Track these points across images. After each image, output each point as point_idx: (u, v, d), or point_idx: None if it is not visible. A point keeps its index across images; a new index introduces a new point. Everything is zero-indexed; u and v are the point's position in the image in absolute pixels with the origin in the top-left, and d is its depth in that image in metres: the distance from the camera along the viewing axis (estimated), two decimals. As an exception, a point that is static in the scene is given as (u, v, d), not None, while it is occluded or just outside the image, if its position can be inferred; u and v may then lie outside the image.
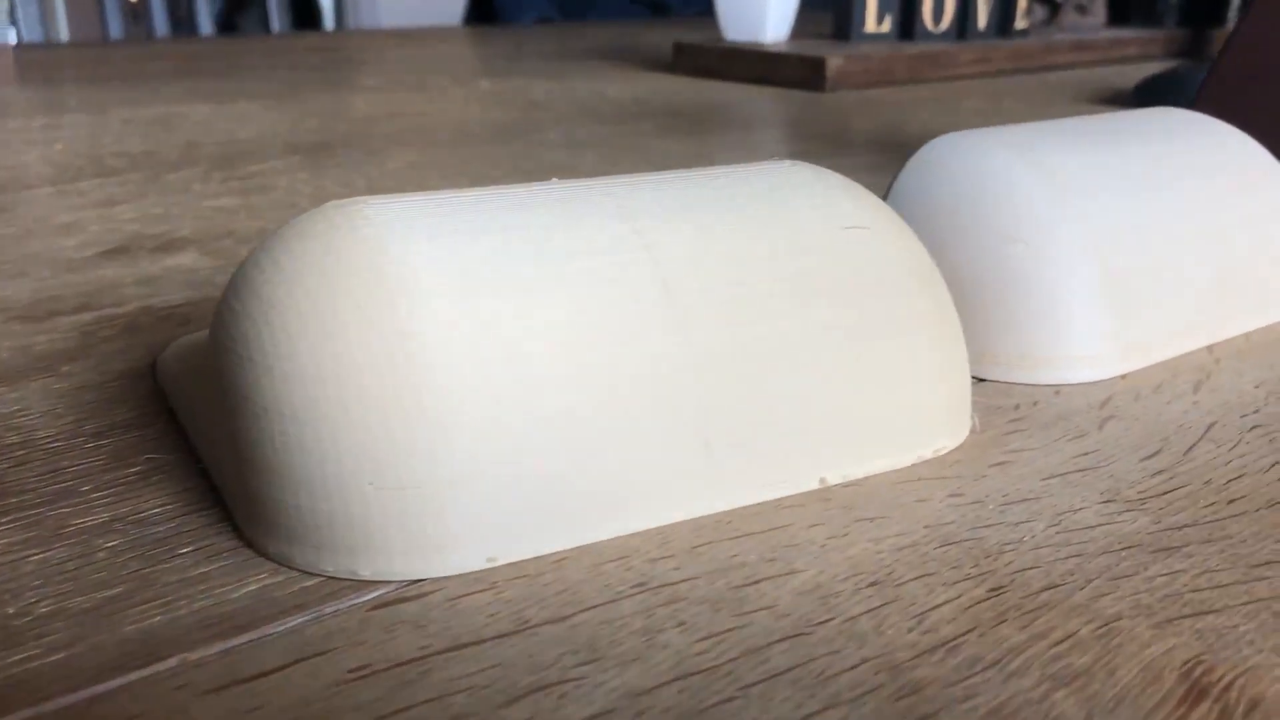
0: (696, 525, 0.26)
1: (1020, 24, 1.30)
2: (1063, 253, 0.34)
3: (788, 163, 0.32)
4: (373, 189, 0.62)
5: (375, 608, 0.23)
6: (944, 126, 0.85)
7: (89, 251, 0.49)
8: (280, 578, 0.24)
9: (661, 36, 1.52)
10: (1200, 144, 0.41)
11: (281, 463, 0.24)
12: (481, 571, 0.24)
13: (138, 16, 2.44)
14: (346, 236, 0.25)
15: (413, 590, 0.24)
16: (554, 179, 0.30)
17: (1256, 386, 0.35)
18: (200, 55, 1.43)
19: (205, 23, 2.50)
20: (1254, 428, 0.32)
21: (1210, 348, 0.38)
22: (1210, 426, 0.32)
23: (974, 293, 0.35)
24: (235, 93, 1.02)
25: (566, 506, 0.25)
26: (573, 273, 0.26)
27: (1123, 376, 0.35)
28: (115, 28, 2.65)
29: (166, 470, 0.29)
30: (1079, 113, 0.94)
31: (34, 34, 2.36)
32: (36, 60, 1.37)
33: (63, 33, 2.42)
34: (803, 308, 0.28)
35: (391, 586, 0.24)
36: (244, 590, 0.24)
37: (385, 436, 0.23)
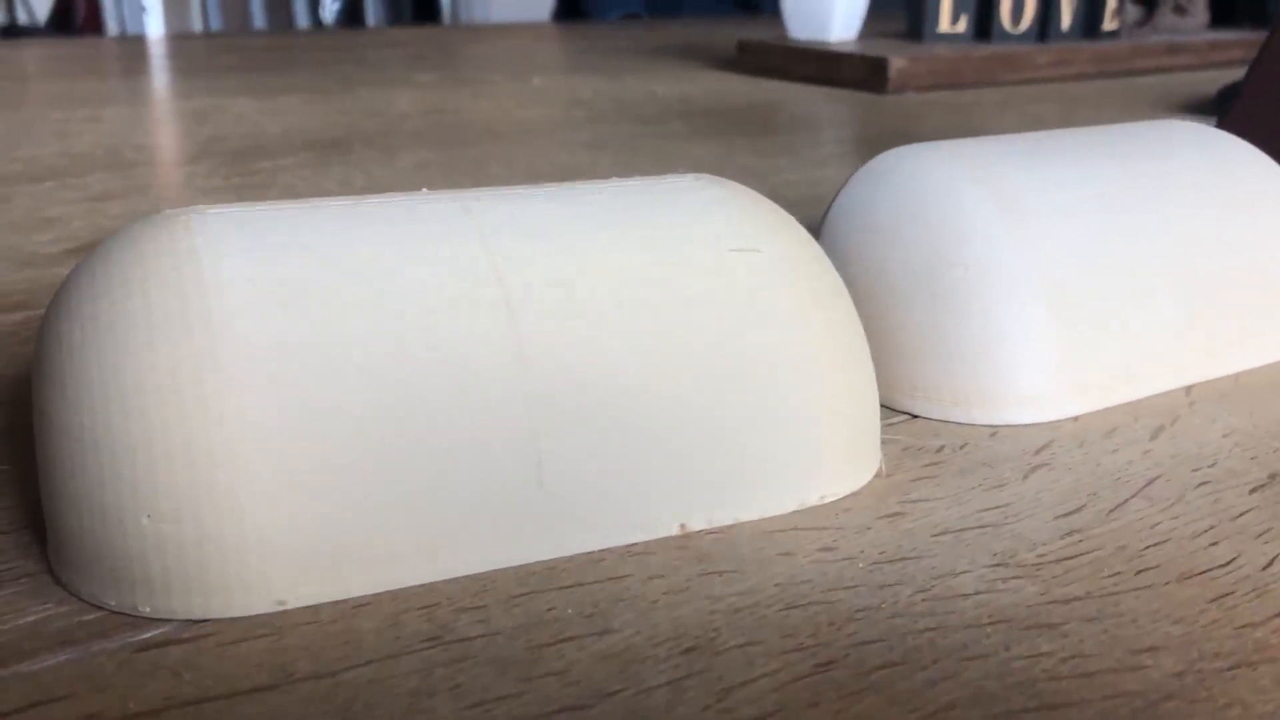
0: (527, 572, 0.24)
1: (1109, 25, 1.23)
2: (1006, 280, 0.31)
3: (692, 177, 0.30)
4: (371, 187, 0.61)
5: (142, 649, 0.21)
6: (1000, 131, 0.81)
7: (58, 248, 0.49)
8: (65, 608, 0.23)
9: (741, 34, 1.49)
10: (1199, 163, 0.37)
11: (66, 487, 0.22)
12: (269, 615, 0.22)
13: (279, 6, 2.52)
14: (163, 249, 0.24)
15: (190, 632, 0.22)
16: (424, 189, 0.28)
17: (1225, 435, 0.31)
18: (291, 47, 1.45)
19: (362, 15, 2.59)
20: (1202, 484, 0.28)
21: (1189, 389, 0.34)
22: (1152, 481, 0.29)
23: (910, 321, 0.32)
24: (286, 87, 1.03)
25: (373, 548, 0.23)
26: (401, 294, 0.24)
27: (1075, 419, 0.32)
28: (259, 19, 2.74)
29: (11, 483, 0.28)
30: (1157, 120, 0.88)
31: (188, 24, 2.45)
32: (131, 51, 1.41)
33: (213, 22, 2.51)
34: (670, 338, 0.26)
35: (170, 626, 0.22)
36: (22, 620, 0.22)
37: (165, 465, 0.22)
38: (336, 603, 0.23)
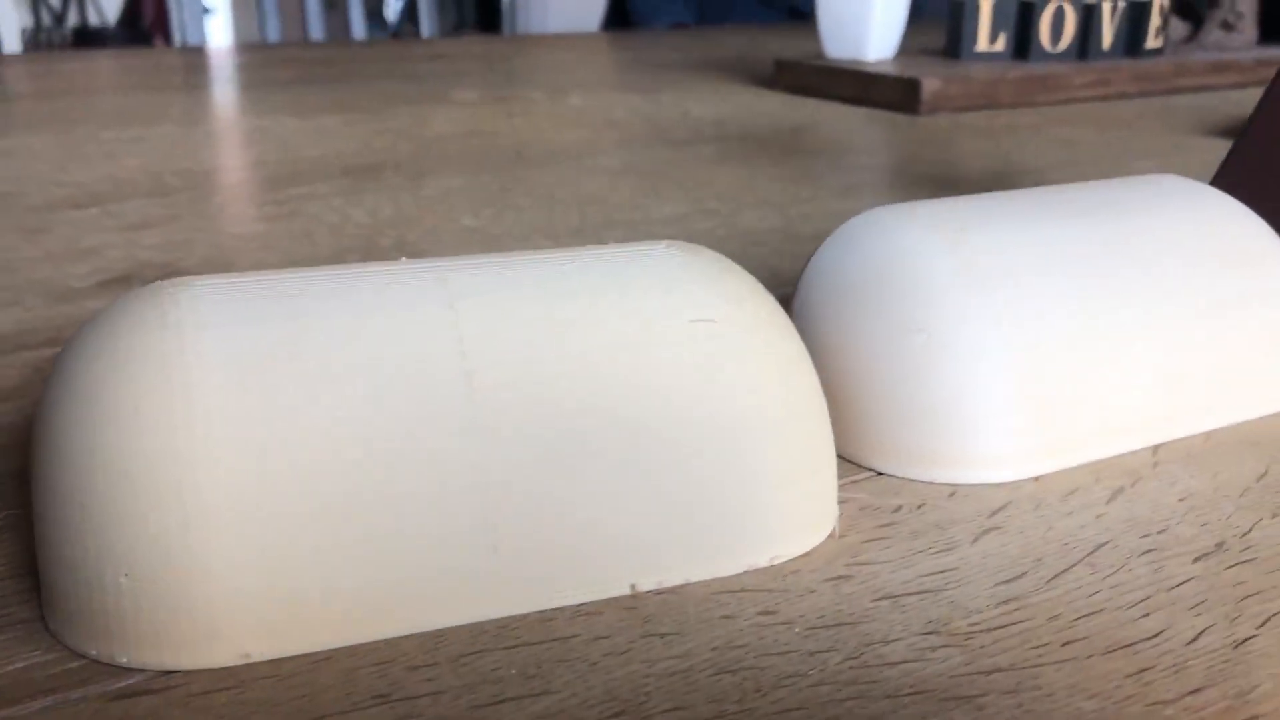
0: (478, 631, 0.26)
1: (1153, 43, 1.22)
2: (968, 344, 0.32)
3: (664, 244, 0.31)
4: (397, 217, 0.63)
5: (117, 698, 0.23)
6: (1023, 159, 0.81)
7: (91, 280, 0.51)
8: (52, 656, 0.25)
9: (786, 45, 1.50)
10: (1180, 222, 0.38)
11: (54, 543, 0.24)
12: (235, 668, 0.24)
13: (334, 9, 2.58)
14: (148, 324, 0.26)
15: (162, 682, 0.24)
16: (403, 259, 0.30)
17: (1181, 499, 0.32)
18: (342, 60, 1.48)
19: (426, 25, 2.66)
20: (1147, 551, 0.29)
21: (1157, 448, 0.35)
22: (1099, 547, 0.29)
23: (875, 382, 0.33)
24: (329, 105, 1.06)
25: (333, 606, 0.25)
26: (367, 365, 0.26)
27: (1036, 479, 0.33)
28: (316, 29, 2.80)
29: (17, 529, 0.30)
30: (1191, 143, 0.88)
31: (255, 33, 2.52)
32: (187, 64, 1.45)
33: (271, 33, 2.57)
34: (625, 407, 0.27)
35: (144, 676, 0.24)
36: (11, 666, 0.24)
37: (141, 528, 0.24)
38: (299, 657, 0.25)
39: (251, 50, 1.72)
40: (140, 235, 0.59)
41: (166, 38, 2.91)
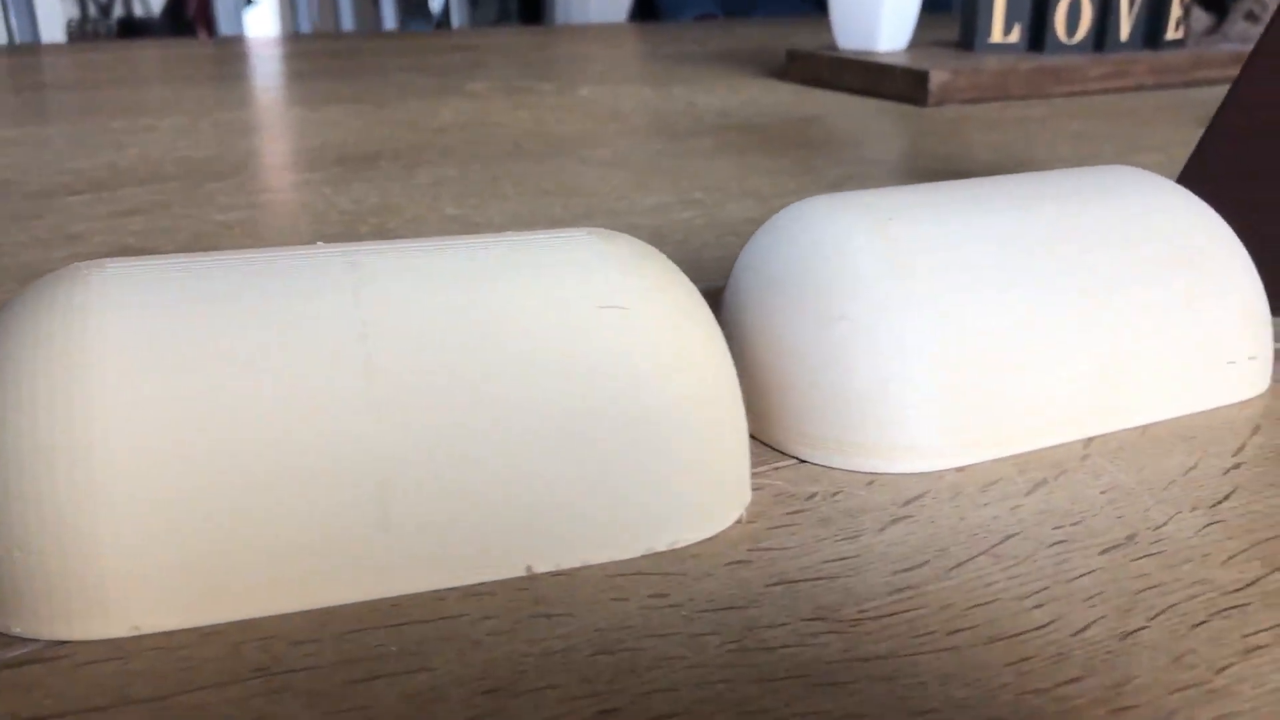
0: (369, 608, 0.26)
1: (1172, 34, 1.20)
2: (888, 332, 0.32)
3: (585, 232, 0.32)
4: (382, 205, 0.64)
5: (6, 666, 0.24)
6: (1027, 151, 0.80)
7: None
8: (-45, 625, 0.25)
9: (809, 37, 1.49)
10: (1124, 213, 0.37)
11: (-44, 518, 0.25)
12: (125, 640, 0.25)
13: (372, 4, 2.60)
14: (55, 306, 0.26)
15: (52, 652, 0.24)
16: (319, 243, 0.31)
17: (1103, 492, 0.32)
18: (368, 51, 1.50)
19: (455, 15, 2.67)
20: (1057, 543, 0.29)
21: (1089, 441, 0.35)
22: (1008, 538, 0.29)
23: (799, 370, 0.33)
24: (341, 96, 1.07)
25: (223, 581, 0.25)
26: (265, 347, 0.26)
27: (959, 469, 0.33)
28: (347, 20, 2.82)
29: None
30: (1197, 137, 0.86)
31: (297, 23, 2.55)
32: (217, 55, 1.47)
33: (303, 23, 2.60)
34: (525, 391, 0.27)
35: (37, 646, 0.25)
36: (-85, 635, 0.25)
37: (34, 503, 0.24)
38: (189, 630, 0.25)
39: (281, 42, 1.74)
40: (127, 221, 0.60)
41: (210, 29, 2.95)
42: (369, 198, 0.66)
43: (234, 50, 1.58)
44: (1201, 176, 0.48)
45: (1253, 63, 0.48)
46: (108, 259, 0.29)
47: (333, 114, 0.97)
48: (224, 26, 2.51)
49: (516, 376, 0.27)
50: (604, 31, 1.90)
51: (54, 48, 1.68)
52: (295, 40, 1.83)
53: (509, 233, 0.32)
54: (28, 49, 1.67)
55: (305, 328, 0.27)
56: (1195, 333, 0.36)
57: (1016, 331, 0.33)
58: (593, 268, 0.30)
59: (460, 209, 0.63)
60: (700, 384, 0.29)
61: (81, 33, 3.16)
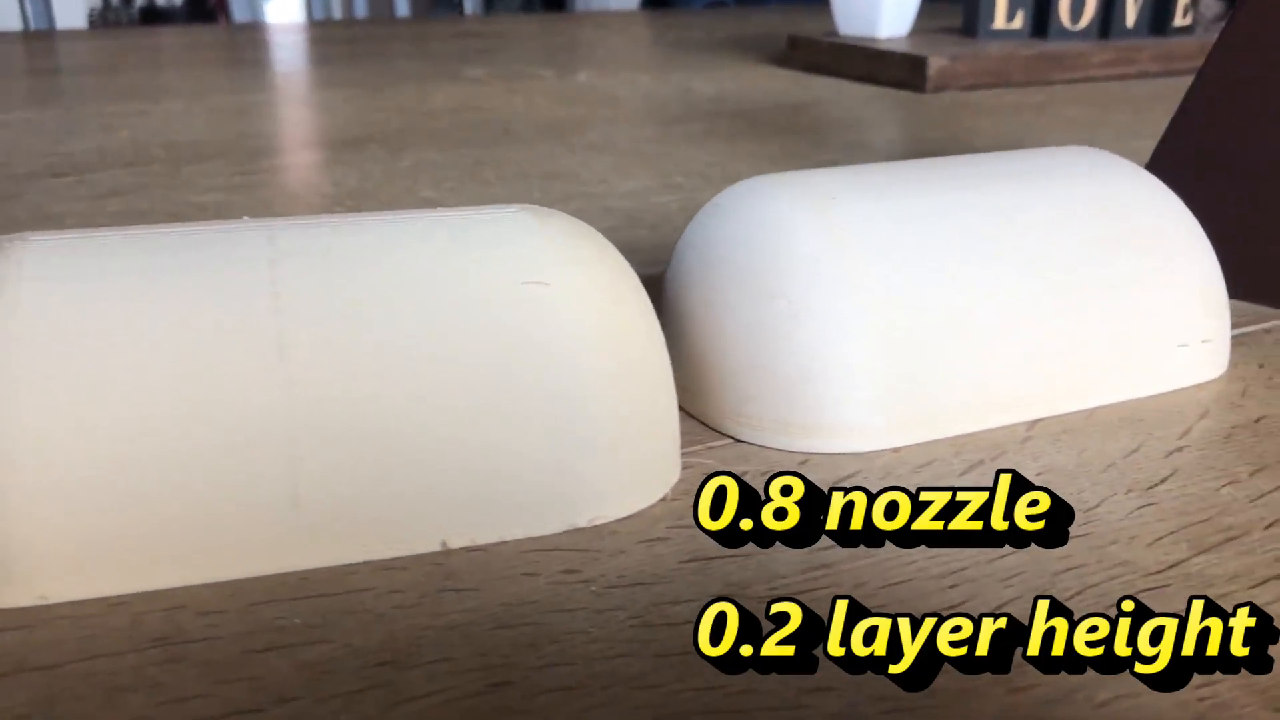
0: (279, 581, 0.26)
1: (1180, 21, 1.19)
2: (824, 311, 0.32)
3: (516, 208, 0.31)
4: (359, 188, 0.64)
5: (-89, 634, 0.24)
6: (1019, 137, 0.79)
7: (39, 244, 0.53)
8: None
9: (821, 24, 1.48)
10: (1077, 194, 0.37)
11: None
12: (33, 609, 0.25)
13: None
14: (-27, 273, 0.26)
15: (-41, 620, 0.25)
16: (245, 217, 0.31)
17: (1039, 474, 0.31)
18: (377, 38, 1.50)
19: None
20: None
21: (1034, 424, 0.34)
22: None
23: (737, 349, 0.33)
24: (340, 81, 1.07)
25: (131, 552, 0.25)
26: (181, 319, 0.26)
27: (895, 450, 0.33)
28: (360, 7, 2.83)
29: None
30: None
31: (324, 11, 2.56)
32: (232, 41, 1.47)
33: (317, 10, 2.60)
34: (442, 367, 0.27)
35: (-55, 614, 0.25)
36: None
37: (-60, 472, 0.24)
38: (98, 600, 0.25)
39: (294, 29, 1.74)
40: (105, 203, 0.61)
41: (227, 16, 2.97)
42: (348, 180, 0.66)
43: (246, 37, 1.58)
44: (1169, 162, 0.48)
45: (1218, 51, 0.47)
46: (32, 232, 0.29)
47: (326, 98, 0.97)
48: (246, 13, 2.52)
49: (432, 352, 0.27)
50: (616, 19, 1.89)
51: (68, 34, 1.70)
52: (310, 27, 1.83)
53: (440, 209, 0.31)
54: (41, 35, 1.69)
55: (218, 301, 0.27)
56: (1146, 315, 0.36)
57: (957, 312, 0.33)
58: (518, 244, 0.30)
59: (437, 192, 0.63)
60: (624, 362, 0.29)
61: (104, 20, 3.18)
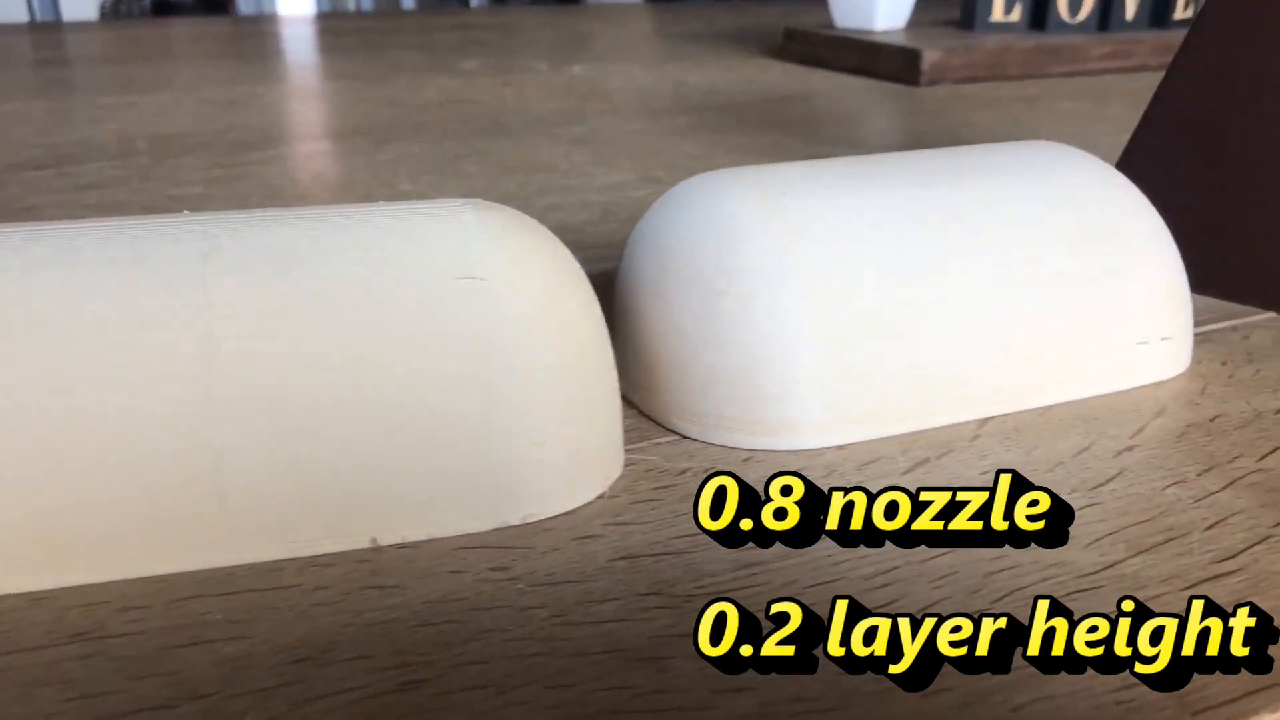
0: (206, 577, 0.26)
1: (1182, 14, 1.18)
2: (769, 308, 0.32)
3: (460, 203, 0.31)
4: (338, 181, 0.64)
5: None
6: (1009, 131, 0.79)
7: (12, 237, 0.53)
8: None
9: (819, 17, 1.47)
10: (1040, 191, 0.36)
11: None
12: (-44, 602, 0.25)
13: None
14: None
15: (-118, 614, 0.25)
16: (186, 211, 0.31)
17: (983, 473, 0.31)
18: (381, 29, 1.50)
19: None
20: (919, 523, 0.29)
21: (985, 422, 0.34)
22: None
23: (683, 345, 0.33)
24: (334, 73, 1.07)
25: (57, 546, 0.25)
26: (109, 313, 0.26)
27: (840, 447, 0.32)
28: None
29: None
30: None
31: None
32: (239, 33, 1.48)
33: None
34: (372, 363, 0.27)
35: None
36: None
37: None
38: (20, 595, 0.25)
39: (301, 21, 1.74)
40: (83, 196, 0.61)
41: (230, 7, 2.97)
42: (328, 173, 0.66)
43: (252, 29, 1.59)
44: (1142, 158, 0.47)
45: (1187, 47, 0.46)
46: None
47: (318, 90, 0.97)
48: (257, 6, 2.52)
49: (362, 347, 0.27)
50: (620, 11, 1.89)
51: (74, 26, 1.70)
52: (318, 19, 1.83)
53: (381, 203, 0.31)
54: (47, 27, 1.69)
55: (147, 295, 0.27)
56: (1103, 312, 0.35)
57: (906, 308, 0.33)
58: (455, 239, 0.29)
59: (415, 185, 0.63)
60: (561, 358, 0.29)
61: (115, 12, 3.18)
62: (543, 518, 0.29)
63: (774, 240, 0.32)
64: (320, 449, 0.27)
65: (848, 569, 0.27)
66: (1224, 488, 0.30)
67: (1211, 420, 0.34)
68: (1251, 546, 0.27)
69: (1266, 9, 0.44)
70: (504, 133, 0.79)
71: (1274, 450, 0.32)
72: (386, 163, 0.69)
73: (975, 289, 0.34)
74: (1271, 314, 0.43)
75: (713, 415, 0.33)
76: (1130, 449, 0.33)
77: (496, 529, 0.28)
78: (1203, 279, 0.45)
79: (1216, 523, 0.29)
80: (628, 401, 0.35)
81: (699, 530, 0.28)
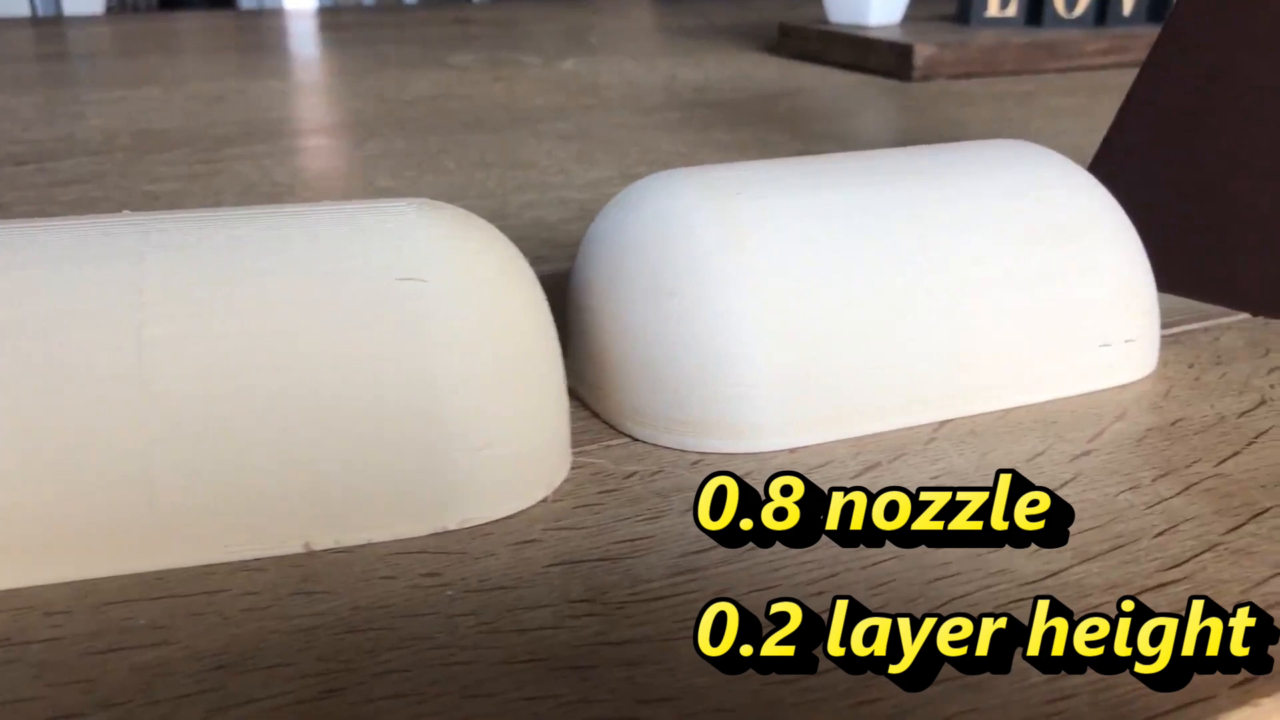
0: (135, 581, 0.26)
1: (1180, 9, 1.17)
2: (719, 309, 0.31)
3: (404, 203, 0.31)
4: (316, 177, 0.64)
5: None
6: (995, 127, 0.78)
7: (-18, 233, 0.53)
8: None
9: (818, 14, 1.47)
10: (1002, 191, 0.36)
11: None
12: (-120, 606, 0.25)
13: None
14: None
15: None
16: (126, 211, 0.30)
17: (934, 478, 0.31)
18: (381, 24, 1.50)
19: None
20: (864, 528, 0.28)
21: (942, 425, 0.34)
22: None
23: (633, 346, 0.32)
24: (325, 68, 1.07)
25: (-18, 550, 0.25)
26: (43, 314, 0.26)
27: (792, 450, 0.32)
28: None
29: None
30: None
31: None
32: (238, 26, 1.47)
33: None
34: (303, 366, 0.27)
35: None
36: None
37: None
38: (-54, 599, 0.25)
39: (303, 16, 1.74)
40: (60, 191, 0.60)
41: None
42: (307, 169, 0.66)
43: (252, 23, 1.58)
44: (1116, 158, 0.47)
45: (1159, 46, 0.46)
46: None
47: (308, 85, 0.97)
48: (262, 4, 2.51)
49: (298, 348, 0.27)
50: (621, 6, 1.88)
51: (77, 20, 1.70)
52: (321, 14, 1.83)
53: (326, 203, 0.31)
54: (49, 21, 1.69)
55: (82, 296, 0.26)
56: (1065, 314, 0.35)
57: (861, 309, 0.32)
58: (397, 240, 0.29)
59: (395, 181, 0.63)
60: (503, 360, 0.29)
61: (122, 6, 3.18)
62: (482, 522, 0.28)
63: (724, 240, 0.32)
64: (252, 452, 0.26)
65: (784, 575, 0.26)
66: (1178, 493, 0.30)
67: (1173, 424, 0.34)
68: (1199, 555, 0.27)
69: (1237, 8, 0.44)
70: (488, 128, 0.78)
71: (1233, 455, 0.32)
72: (368, 158, 0.68)
73: (932, 290, 0.33)
74: (1245, 315, 0.43)
75: (663, 417, 0.32)
76: (1087, 453, 0.32)
77: (434, 534, 0.28)
78: (1175, 279, 0.44)
79: (1167, 530, 0.28)
80: (582, 403, 0.35)
81: (639, 535, 0.28)
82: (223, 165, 0.67)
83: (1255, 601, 0.25)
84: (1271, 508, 0.29)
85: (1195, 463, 0.31)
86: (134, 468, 0.26)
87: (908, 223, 0.34)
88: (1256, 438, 0.33)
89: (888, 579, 0.26)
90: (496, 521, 0.28)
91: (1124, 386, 0.36)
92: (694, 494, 0.30)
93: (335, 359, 0.27)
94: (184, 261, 0.27)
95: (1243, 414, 0.34)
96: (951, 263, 0.34)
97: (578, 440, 0.32)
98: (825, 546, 0.27)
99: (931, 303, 0.33)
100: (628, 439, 0.33)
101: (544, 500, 0.29)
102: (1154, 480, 0.31)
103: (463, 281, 0.29)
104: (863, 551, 0.27)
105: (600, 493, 0.30)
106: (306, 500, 0.27)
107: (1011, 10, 1.12)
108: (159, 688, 0.22)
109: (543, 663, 0.23)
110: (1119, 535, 0.28)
